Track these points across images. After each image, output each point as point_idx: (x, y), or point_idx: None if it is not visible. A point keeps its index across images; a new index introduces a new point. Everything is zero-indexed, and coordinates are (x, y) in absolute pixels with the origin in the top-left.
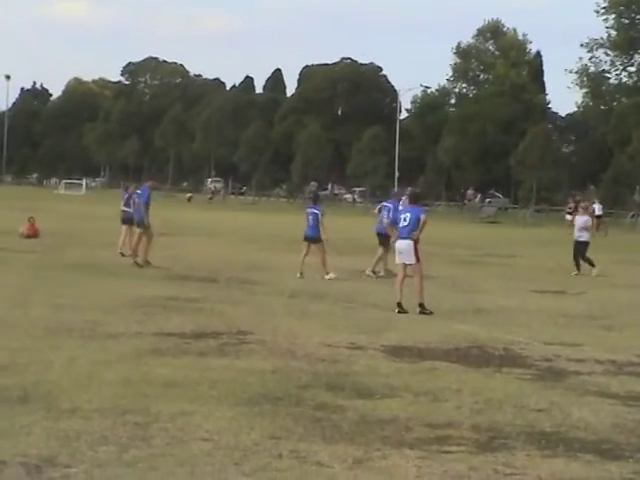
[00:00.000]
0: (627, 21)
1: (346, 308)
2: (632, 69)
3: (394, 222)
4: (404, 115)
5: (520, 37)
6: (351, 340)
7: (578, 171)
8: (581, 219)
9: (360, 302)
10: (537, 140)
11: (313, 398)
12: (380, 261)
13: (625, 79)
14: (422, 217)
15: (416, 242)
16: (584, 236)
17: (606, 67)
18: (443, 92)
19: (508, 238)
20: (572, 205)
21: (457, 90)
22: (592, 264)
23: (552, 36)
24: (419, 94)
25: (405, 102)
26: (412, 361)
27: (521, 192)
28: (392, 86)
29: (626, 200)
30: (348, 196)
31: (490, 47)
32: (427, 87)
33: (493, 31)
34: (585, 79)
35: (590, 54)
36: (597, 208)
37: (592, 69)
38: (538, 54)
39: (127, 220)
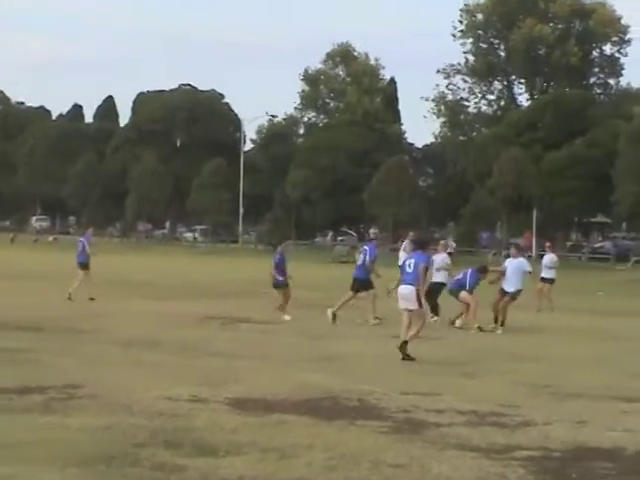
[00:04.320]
0: (485, 46)
1: (187, 357)
2: (491, 97)
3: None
4: (249, 146)
5: (372, 62)
6: (192, 392)
7: (436, 206)
8: (439, 257)
9: (202, 351)
10: (392, 173)
11: (150, 457)
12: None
13: (484, 107)
14: (420, 265)
15: (419, 289)
16: (440, 276)
17: (464, 95)
18: (291, 121)
19: None
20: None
21: (306, 119)
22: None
23: (407, 61)
24: (265, 123)
25: (250, 132)
26: (259, 414)
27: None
28: (235, 115)
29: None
30: (189, 235)
31: (340, 73)
32: (273, 116)
33: (343, 56)
34: (442, 107)
35: (447, 81)
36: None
37: (450, 97)
38: (392, 80)
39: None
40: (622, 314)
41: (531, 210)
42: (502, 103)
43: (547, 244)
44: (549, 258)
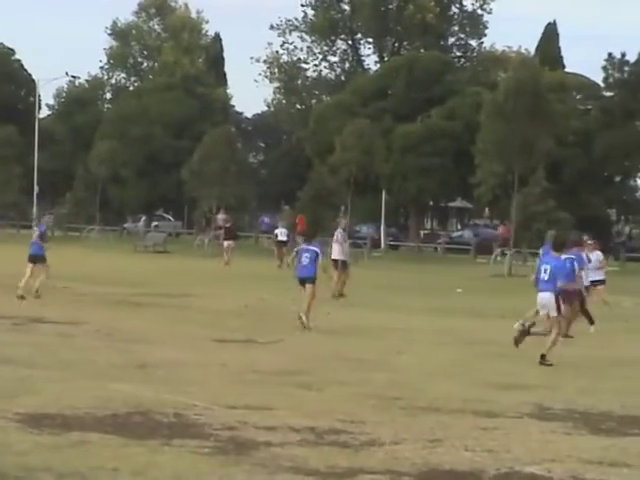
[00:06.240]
0: None
1: None
2: (334, 59)
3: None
4: (45, 113)
5: (193, 15)
6: None
7: (269, 187)
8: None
9: None
10: (217, 147)
11: None
12: None
13: (325, 71)
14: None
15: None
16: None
17: (302, 56)
18: (96, 84)
19: (181, 272)
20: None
21: (114, 81)
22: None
23: (234, 15)
24: (64, 86)
25: (46, 96)
26: (55, 433)
27: (197, 213)
28: (29, 74)
29: (329, 224)
30: None
31: (155, 27)
32: (75, 77)
33: (158, 6)
34: (276, 70)
35: (282, 39)
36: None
37: (285, 58)
38: (217, 37)
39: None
40: (482, 315)
41: (379, 192)
42: (346, 66)
43: (589, 241)
44: (595, 257)
